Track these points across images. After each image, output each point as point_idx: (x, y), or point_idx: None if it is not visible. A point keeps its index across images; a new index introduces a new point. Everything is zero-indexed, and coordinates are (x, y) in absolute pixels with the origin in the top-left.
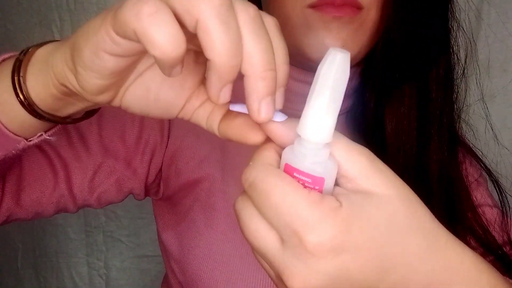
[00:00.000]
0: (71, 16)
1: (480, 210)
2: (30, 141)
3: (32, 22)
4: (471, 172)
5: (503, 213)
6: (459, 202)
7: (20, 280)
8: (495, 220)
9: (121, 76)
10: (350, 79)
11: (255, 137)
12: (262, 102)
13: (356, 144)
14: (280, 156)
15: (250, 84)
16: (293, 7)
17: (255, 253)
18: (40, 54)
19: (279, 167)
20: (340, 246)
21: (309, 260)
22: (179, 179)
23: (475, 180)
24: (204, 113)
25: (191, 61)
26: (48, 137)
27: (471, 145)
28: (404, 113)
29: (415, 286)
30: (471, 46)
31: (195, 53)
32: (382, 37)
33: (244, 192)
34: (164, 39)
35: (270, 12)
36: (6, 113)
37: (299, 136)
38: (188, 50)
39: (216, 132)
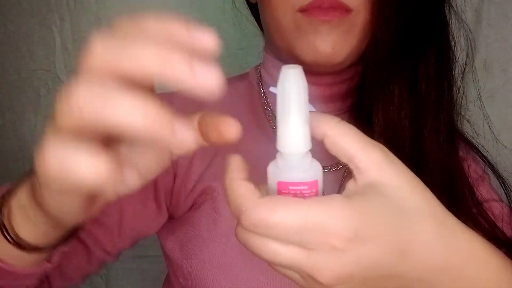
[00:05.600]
0: (71, 16)
1: (486, 205)
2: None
3: (32, 22)
4: (474, 168)
5: (510, 207)
6: (463, 198)
7: None
8: (503, 213)
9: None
10: (351, 78)
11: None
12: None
13: (369, 138)
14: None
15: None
16: (284, 12)
17: (276, 267)
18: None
19: (265, 192)
20: (362, 236)
21: (338, 255)
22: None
23: (479, 176)
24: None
25: None
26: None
27: (474, 142)
28: (394, 109)
29: (431, 269)
30: (470, 44)
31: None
32: (370, 38)
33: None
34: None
35: (264, 17)
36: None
37: (279, 151)
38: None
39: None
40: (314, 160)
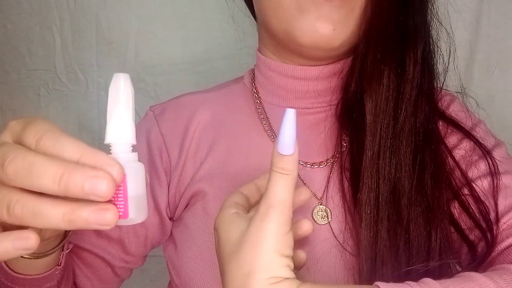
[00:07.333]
0: (71, 16)
1: (479, 182)
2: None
3: (32, 22)
4: (468, 149)
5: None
6: (446, 179)
7: None
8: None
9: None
10: (341, 71)
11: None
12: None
13: None
14: None
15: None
16: None
17: None
18: None
19: None
20: None
21: None
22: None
23: (477, 157)
24: None
25: None
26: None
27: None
28: (383, 92)
29: None
30: (451, 40)
31: None
32: (366, 25)
33: None
34: None
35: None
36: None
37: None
38: None
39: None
40: (138, 162)
